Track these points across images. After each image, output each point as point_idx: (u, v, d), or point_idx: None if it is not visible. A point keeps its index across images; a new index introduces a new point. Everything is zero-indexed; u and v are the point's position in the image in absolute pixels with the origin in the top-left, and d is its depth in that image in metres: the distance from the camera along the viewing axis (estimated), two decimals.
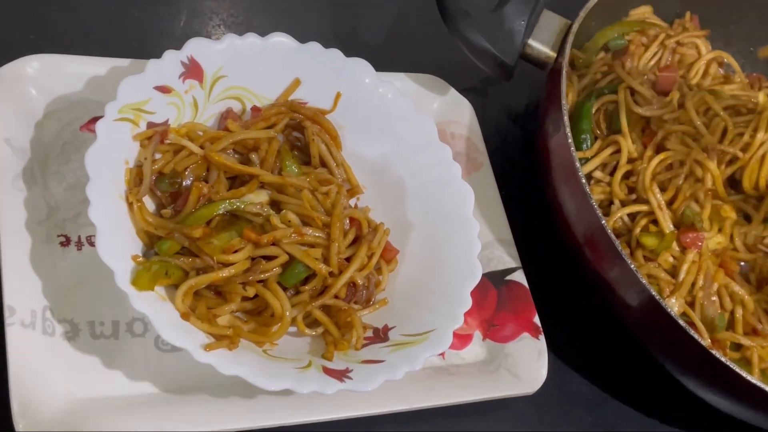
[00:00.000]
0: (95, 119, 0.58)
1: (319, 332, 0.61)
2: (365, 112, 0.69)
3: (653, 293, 0.62)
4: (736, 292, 0.68)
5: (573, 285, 0.74)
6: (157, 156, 0.61)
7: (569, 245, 0.71)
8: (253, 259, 0.60)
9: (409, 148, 0.68)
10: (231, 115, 0.66)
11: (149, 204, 0.61)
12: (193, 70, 0.62)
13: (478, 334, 0.69)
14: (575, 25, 0.72)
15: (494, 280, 0.71)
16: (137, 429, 0.55)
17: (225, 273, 0.57)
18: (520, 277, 0.71)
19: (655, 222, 0.70)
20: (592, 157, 0.74)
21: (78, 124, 0.64)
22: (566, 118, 0.67)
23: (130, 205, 0.58)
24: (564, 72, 0.69)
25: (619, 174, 0.72)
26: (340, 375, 0.56)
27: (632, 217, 0.71)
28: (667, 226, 0.70)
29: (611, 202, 0.72)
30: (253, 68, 0.65)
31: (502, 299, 0.70)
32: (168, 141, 0.61)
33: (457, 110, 0.78)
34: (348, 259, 0.63)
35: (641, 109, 0.74)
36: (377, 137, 0.69)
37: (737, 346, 0.67)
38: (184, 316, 0.55)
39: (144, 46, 0.72)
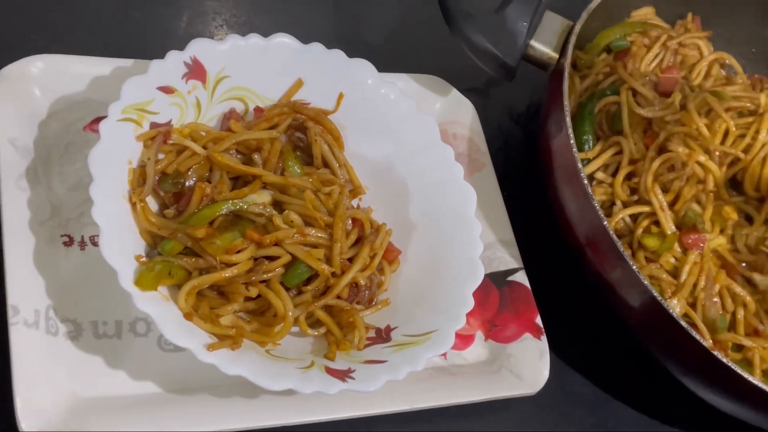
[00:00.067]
0: (98, 119, 0.58)
1: (322, 332, 0.61)
2: (368, 112, 0.69)
3: (655, 294, 0.62)
4: (737, 294, 0.68)
5: (575, 286, 0.74)
6: (160, 156, 0.61)
7: (571, 246, 0.71)
8: (255, 259, 0.60)
9: (412, 148, 0.69)
10: (234, 116, 0.66)
11: (152, 204, 0.61)
12: (196, 71, 0.63)
13: (480, 335, 0.69)
14: (577, 26, 0.72)
15: (496, 280, 0.71)
16: (140, 429, 0.55)
17: (228, 273, 0.58)
18: (522, 277, 0.71)
19: (657, 223, 0.70)
20: (594, 158, 0.74)
21: (81, 124, 0.65)
22: (568, 119, 0.67)
23: (133, 205, 0.59)
24: (566, 73, 0.69)
25: (621, 175, 0.72)
26: (343, 375, 0.56)
27: (634, 218, 0.71)
28: (669, 227, 0.70)
29: (613, 203, 0.72)
30: (256, 69, 0.65)
31: (504, 300, 0.70)
32: (171, 141, 0.62)
33: (459, 111, 0.78)
34: (350, 260, 0.63)
35: (643, 111, 0.74)
36: (379, 138, 0.69)
37: (739, 347, 0.67)
38: (187, 316, 0.56)
39: (147, 47, 0.72)
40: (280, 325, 0.59)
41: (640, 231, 0.70)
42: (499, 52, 0.72)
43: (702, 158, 0.72)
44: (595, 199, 0.65)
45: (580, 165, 0.66)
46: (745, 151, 0.72)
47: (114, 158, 0.58)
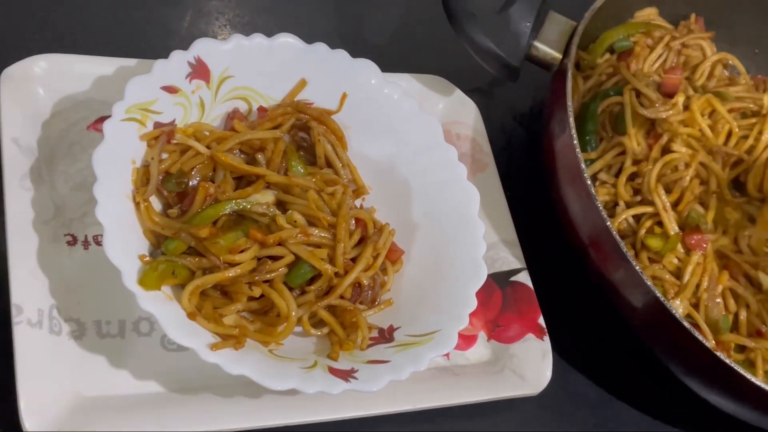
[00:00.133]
0: (102, 119, 0.58)
1: (325, 332, 0.62)
2: (371, 112, 0.69)
3: (658, 295, 0.62)
4: (740, 294, 0.68)
5: (578, 286, 0.74)
6: (164, 156, 0.61)
7: (574, 246, 0.71)
8: (259, 259, 0.60)
9: (415, 148, 0.69)
10: (237, 116, 0.66)
11: (156, 204, 0.61)
12: (199, 71, 0.63)
13: (482, 335, 0.69)
14: (580, 27, 0.72)
15: (499, 280, 0.71)
16: (143, 428, 0.55)
17: (231, 273, 0.58)
18: (525, 278, 0.71)
19: (660, 224, 0.70)
20: (597, 159, 0.74)
21: (85, 124, 0.65)
22: (571, 120, 0.67)
23: (137, 204, 0.59)
24: (569, 73, 0.69)
25: (624, 175, 0.72)
26: (346, 375, 0.56)
27: (637, 218, 0.71)
28: (672, 227, 0.70)
29: (616, 204, 0.72)
30: (260, 69, 0.65)
31: (507, 300, 0.70)
32: (175, 141, 0.62)
33: (462, 111, 0.78)
34: (353, 260, 0.63)
35: (646, 111, 0.74)
36: (383, 138, 0.69)
37: (741, 348, 0.67)
38: (191, 316, 0.56)
39: (150, 46, 0.73)
40: (283, 325, 0.59)
41: (643, 231, 0.70)
42: (502, 53, 0.72)
43: (705, 159, 0.72)
44: (599, 200, 0.65)
45: (583, 165, 0.66)
46: (748, 152, 0.72)
47: (118, 158, 0.58)
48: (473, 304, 0.62)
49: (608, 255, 0.65)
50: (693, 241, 0.69)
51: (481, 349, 0.69)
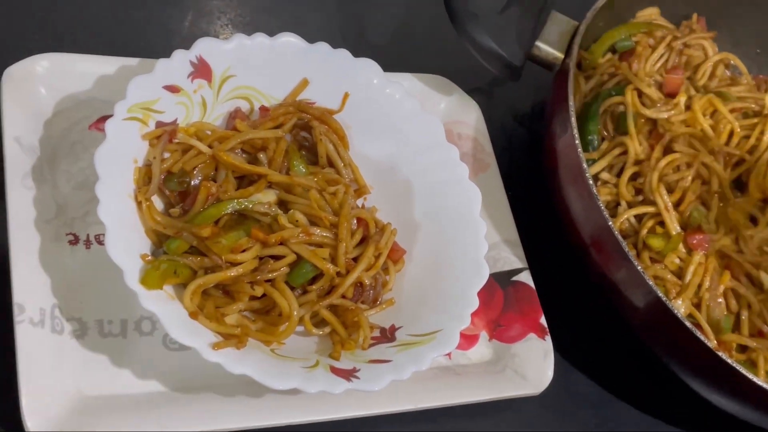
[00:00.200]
0: (104, 118, 0.58)
1: (327, 332, 0.62)
2: (372, 112, 0.69)
3: (660, 295, 0.62)
4: (742, 294, 0.68)
5: (579, 286, 0.74)
6: (166, 155, 0.61)
7: (576, 246, 0.71)
8: (260, 258, 0.60)
9: (416, 148, 0.69)
10: (239, 115, 0.66)
11: (158, 203, 0.61)
12: (201, 70, 0.63)
13: (484, 335, 0.69)
14: (582, 27, 0.72)
15: (501, 280, 0.71)
16: (145, 428, 0.55)
17: (233, 272, 0.58)
18: (526, 277, 0.71)
19: (662, 223, 0.70)
20: (599, 159, 0.74)
21: (87, 123, 0.65)
22: (573, 120, 0.67)
23: (138, 204, 0.59)
24: (571, 73, 0.69)
25: (626, 175, 0.72)
26: (348, 374, 0.56)
27: (639, 218, 0.71)
28: (674, 227, 0.70)
29: (618, 204, 0.72)
30: (262, 68, 0.65)
31: (508, 300, 0.70)
32: (177, 140, 0.62)
33: (463, 111, 0.78)
34: (355, 259, 0.63)
35: (648, 111, 0.74)
36: (384, 137, 0.69)
37: (743, 348, 0.67)
38: (193, 315, 0.56)
39: (152, 46, 0.72)
40: (285, 324, 0.59)
41: (644, 231, 0.70)
42: (504, 52, 0.72)
43: (707, 159, 0.72)
44: (600, 200, 0.65)
45: (585, 165, 0.66)
46: (750, 152, 0.72)
47: (120, 157, 0.58)
48: (475, 303, 0.62)
49: (610, 255, 0.65)
50: (695, 241, 0.69)
51: (483, 348, 0.69)
